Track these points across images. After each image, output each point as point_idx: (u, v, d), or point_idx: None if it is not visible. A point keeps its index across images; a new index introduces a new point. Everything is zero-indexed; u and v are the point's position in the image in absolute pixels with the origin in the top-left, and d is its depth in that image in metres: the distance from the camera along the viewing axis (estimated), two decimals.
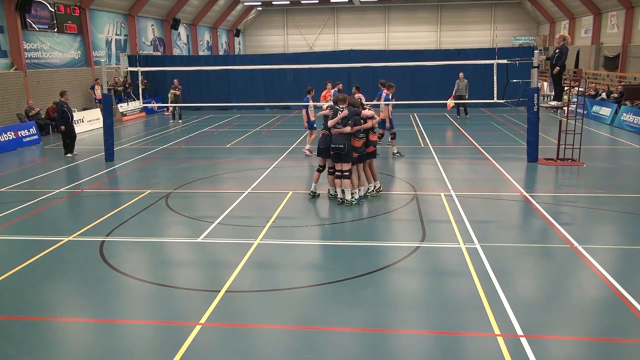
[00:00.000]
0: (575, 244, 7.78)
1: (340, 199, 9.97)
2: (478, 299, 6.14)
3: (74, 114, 16.71)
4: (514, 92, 15.12)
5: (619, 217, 9.14)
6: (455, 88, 21.63)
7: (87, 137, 19.63)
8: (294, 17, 48.86)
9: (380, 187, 10.75)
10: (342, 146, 9.56)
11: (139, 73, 16.04)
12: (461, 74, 21.45)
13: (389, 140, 14.91)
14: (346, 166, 9.71)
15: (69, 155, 15.43)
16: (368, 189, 10.54)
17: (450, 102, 19.82)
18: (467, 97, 20.89)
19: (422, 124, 21.17)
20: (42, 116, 20.03)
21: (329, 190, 10.37)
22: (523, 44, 42.76)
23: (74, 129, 15.78)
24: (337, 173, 10.02)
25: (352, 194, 9.90)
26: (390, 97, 14.39)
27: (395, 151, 14.51)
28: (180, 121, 23.17)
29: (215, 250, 8.09)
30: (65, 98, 15.53)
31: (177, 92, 22.98)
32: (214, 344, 5.46)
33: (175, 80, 23.27)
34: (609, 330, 5.55)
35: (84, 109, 23.23)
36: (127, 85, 26.08)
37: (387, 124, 14.39)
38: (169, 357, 5.11)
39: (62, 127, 15.37)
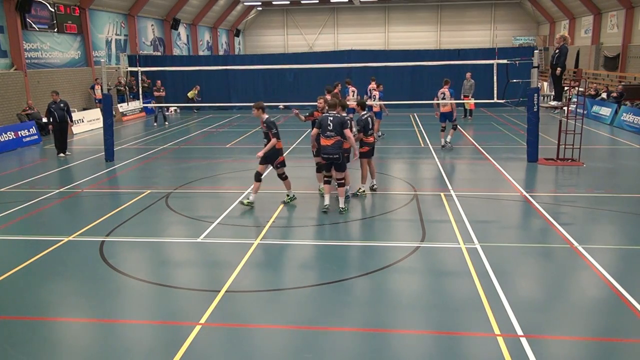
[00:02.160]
0: (575, 244, 7.78)
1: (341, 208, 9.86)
2: (478, 299, 6.14)
3: (72, 114, 16.63)
4: (514, 92, 15.12)
5: (619, 217, 9.14)
6: (462, 88, 21.28)
7: (87, 137, 19.65)
8: (294, 17, 48.84)
9: (374, 186, 10.82)
10: (337, 156, 9.42)
11: (140, 73, 16.02)
12: (468, 74, 20.97)
13: (451, 130, 15.30)
14: (340, 175, 9.58)
15: (62, 155, 15.42)
16: (360, 188, 10.62)
17: (470, 102, 19.93)
18: (470, 97, 20.59)
19: (422, 124, 21.18)
20: (42, 116, 20.03)
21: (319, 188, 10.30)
22: (523, 44, 42.76)
23: (59, 130, 15.36)
24: (326, 179, 9.93)
25: (344, 199, 9.78)
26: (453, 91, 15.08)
27: (448, 140, 15.19)
28: (155, 124, 22.23)
29: (215, 250, 8.09)
30: (52, 97, 15.47)
31: (162, 94, 22.84)
32: (214, 344, 5.46)
33: (158, 82, 23.11)
34: (609, 330, 5.55)
35: (84, 109, 23.22)
36: (132, 85, 25.93)
37: (454, 115, 15.10)
38: (169, 357, 5.11)
39: (50, 127, 15.38)
